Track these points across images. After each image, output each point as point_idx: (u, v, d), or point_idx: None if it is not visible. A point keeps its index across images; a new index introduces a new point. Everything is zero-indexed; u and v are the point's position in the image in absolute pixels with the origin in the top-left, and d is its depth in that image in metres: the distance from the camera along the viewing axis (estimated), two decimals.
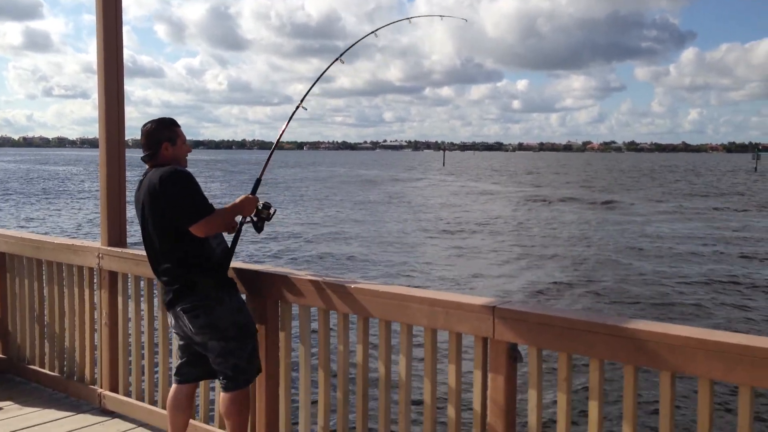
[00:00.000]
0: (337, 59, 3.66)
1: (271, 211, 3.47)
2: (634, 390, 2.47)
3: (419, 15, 3.92)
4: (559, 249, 21.07)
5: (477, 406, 2.84)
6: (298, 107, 3.63)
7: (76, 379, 4.59)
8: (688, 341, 2.29)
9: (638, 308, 13.28)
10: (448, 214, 32.54)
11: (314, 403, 3.47)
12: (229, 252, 3.47)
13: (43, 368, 4.80)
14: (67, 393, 4.64)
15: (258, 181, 3.54)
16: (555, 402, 2.66)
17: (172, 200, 3.23)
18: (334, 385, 3.36)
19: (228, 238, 3.54)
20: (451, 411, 2.94)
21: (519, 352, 2.75)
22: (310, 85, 3.68)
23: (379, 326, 3.15)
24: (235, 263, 3.63)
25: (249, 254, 19.03)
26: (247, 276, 3.60)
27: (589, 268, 17.53)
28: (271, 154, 3.70)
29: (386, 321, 3.12)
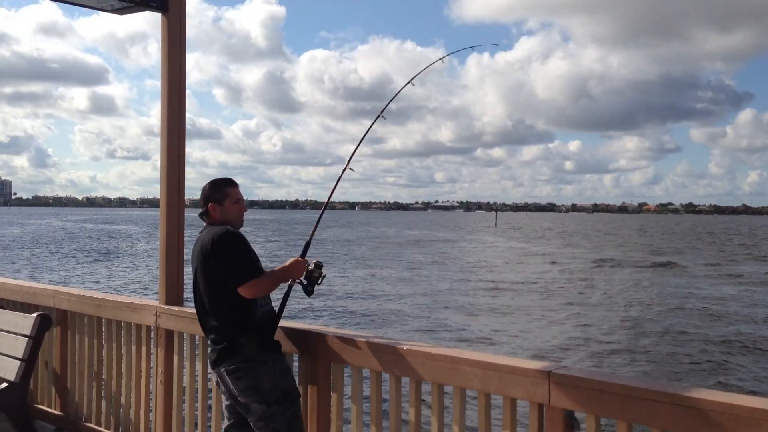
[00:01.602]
0: (378, 117, 3.73)
1: (322, 271, 3.47)
2: None
3: (450, 53, 4.04)
4: (617, 312, 20.52)
5: None
6: (345, 168, 3.68)
7: None
8: (754, 412, 2.20)
9: (697, 375, 12.76)
10: (500, 275, 32.14)
11: None
12: (275, 315, 3.49)
13: (99, 426, 4.85)
14: None
15: (308, 244, 3.55)
16: None
17: (222, 261, 3.30)
18: None
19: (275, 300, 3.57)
20: None
21: (576, 419, 2.68)
22: (356, 146, 3.74)
23: (431, 389, 3.11)
24: (287, 323, 3.66)
25: (298, 313, 19.09)
26: (300, 336, 3.61)
27: (648, 333, 16.99)
28: (320, 217, 3.70)
29: (439, 384, 3.08)
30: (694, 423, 2.33)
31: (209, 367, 3.61)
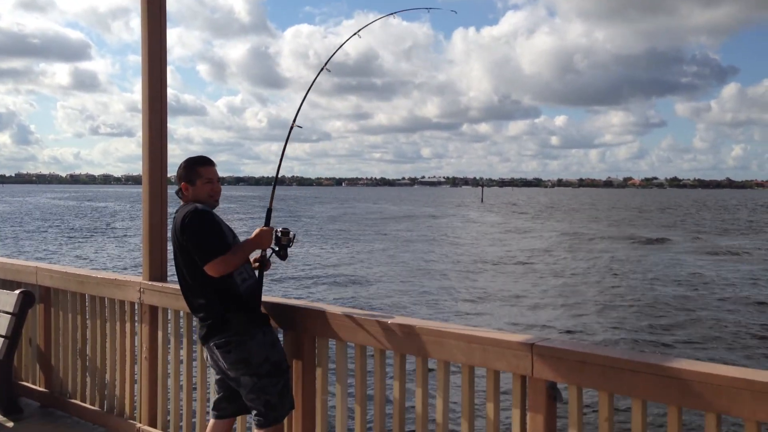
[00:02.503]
0: (322, 69, 3.65)
1: (291, 235, 3.46)
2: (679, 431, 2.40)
3: (403, 10, 3.88)
4: (599, 286, 20.71)
5: None
6: (292, 127, 3.59)
7: (115, 413, 4.63)
8: (734, 381, 2.23)
9: (679, 347, 12.94)
10: (486, 250, 32.29)
11: None
12: (259, 289, 3.49)
13: (84, 402, 4.85)
14: (106, 427, 4.67)
15: (269, 212, 3.55)
16: None
17: (189, 240, 3.31)
18: (371, 422, 3.34)
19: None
20: None
21: (558, 390, 2.70)
22: (300, 102, 3.66)
23: (416, 363, 3.12)
24: (271, 298, 3.65)
25: (283, 290, 19.11)
26: (284, 311, 3.61)
27: (630, 306, 17.17)
28: (275, 182, 3.68)
29: (423, 357, 3.10)
30: (675, 393, 2.36)
31: (199, 342, 3.62)
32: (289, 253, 3.48)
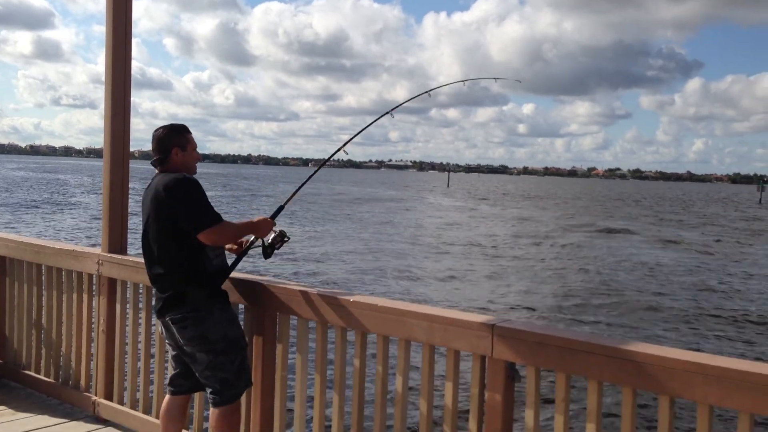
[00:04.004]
0: (387, 113, 3.74)
1: (285, 239, 3.45)
2: (633, 413, 2.45)
3: (476, 78, 4.06)
4: (561, 271, 21.01)
5: (473, 424, 2.82)
6: (339, 149, 3.72)
7: (70, 385, 4.57)
8: (688, 365, 2.28)
9: (638, 332, 13.22)
10: (449, 233, 32.49)
11: (309, 417, 3.45)
12: (227, 268, 3.45)
13: (39, 374, 4.77)
14: (61, 399, 4.61)
15: (281, 208, 3.51)
16: (552, 423, 2.63)
17: (180, 207, 3.19)
18: (330, 399, 3.34)
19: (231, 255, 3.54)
20: (446, 429, 2.91)
21: (517, 371, 2.73)
22: (355, 134, 3.80)
23: (376, 341, 3.13)
24: (233, 273, 3.62)
25: (244, 266, 18.98)
26: (245, 286, 3.58)
27: (589, 291, 17.47)
28: (302, 185, 3.61)
29: (384, 336, 3.10)
30: (629, 375, 2.40)
31: (154, 316, 3.56)
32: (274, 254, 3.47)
